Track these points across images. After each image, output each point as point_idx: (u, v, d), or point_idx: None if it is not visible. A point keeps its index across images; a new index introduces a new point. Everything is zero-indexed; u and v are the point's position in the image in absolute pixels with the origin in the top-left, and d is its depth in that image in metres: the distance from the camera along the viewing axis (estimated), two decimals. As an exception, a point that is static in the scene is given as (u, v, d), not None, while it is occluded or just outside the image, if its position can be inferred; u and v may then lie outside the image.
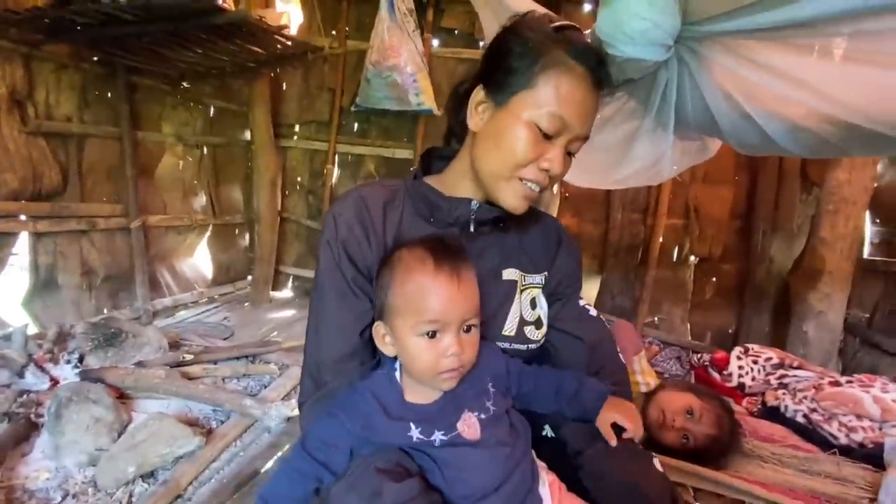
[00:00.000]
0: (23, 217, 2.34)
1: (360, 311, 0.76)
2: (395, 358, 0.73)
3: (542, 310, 0.83)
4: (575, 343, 0.85)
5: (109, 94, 2.71)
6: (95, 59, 2.58)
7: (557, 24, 0.73)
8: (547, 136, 0.70)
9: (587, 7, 3.10)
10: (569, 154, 0.75)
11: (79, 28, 2.16)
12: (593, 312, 0.91)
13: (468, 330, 0.69)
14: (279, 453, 1.71)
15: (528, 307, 0.82)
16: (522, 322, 0.81)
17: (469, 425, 0.69)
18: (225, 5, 1.99)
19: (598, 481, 0.73)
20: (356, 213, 0.77)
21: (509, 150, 0.71)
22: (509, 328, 0.80)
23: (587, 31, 1.18)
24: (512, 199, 0.74)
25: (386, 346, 0.72)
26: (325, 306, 0.77)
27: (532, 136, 0.70)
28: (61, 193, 2.51)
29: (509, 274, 0.81)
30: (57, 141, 2.47)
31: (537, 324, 0.82)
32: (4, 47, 2.20)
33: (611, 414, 0.74)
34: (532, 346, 0.82)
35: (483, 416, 0.70)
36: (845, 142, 1.00)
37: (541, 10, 0.80)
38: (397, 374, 0.73)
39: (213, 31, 2.19)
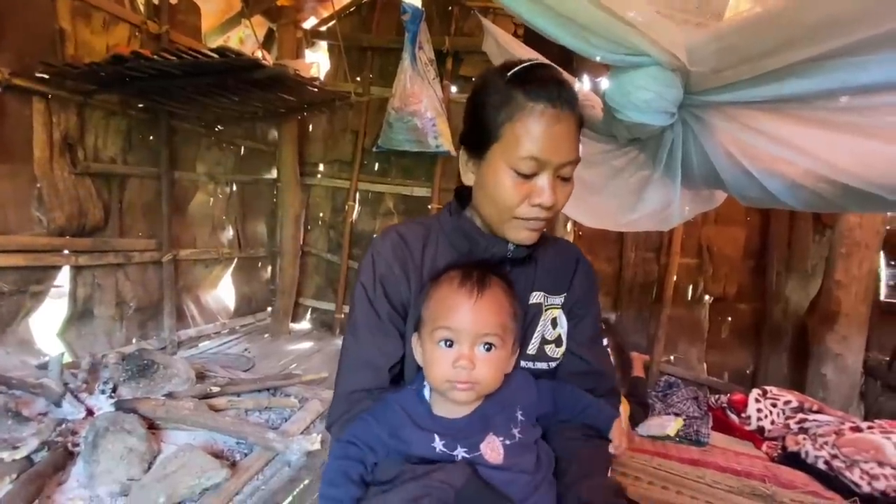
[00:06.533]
0: (66, 251, 2.49)
1: (390, 347, 0.80)
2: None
3: (563, 328, 0.86)
4: (578, 363, 0.87)
5: (151, 138, 2.92)
6: (141, 105, 2.79)
7: (514, 70, 0.75)
8: (529, 176, 0.73)
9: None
10: (564, 179, 0.76)
11: (128, 80, 2.36)
12: (604, 342, 0.95)
13: (488, 348, 0.71)
14: (299, 487, 1.75)
15: (550, 327, 0.85)
16: (544, 341, 0.84)
17: (492, 448, 0.70)
18: (264, 62, 2.18)
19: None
20: (394, 251, 0.82)
21: (499, 198, 0.75)
22: (532, 348, 0.84)
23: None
24: (517, 236, 0.78)
25: (419, 357, 0.77)
26: (358, 340, 0.81)
27: (514, 180, 0.73)
28: (102, 229, 2.67)
29: (535, 297, 0.85)
30: (101, 180, 2.66)
31: (557, 342, 0.85)
32: (61, 97, 2.41)
33: (616, 435, 0.83)
34: (552, 363, 0.85)
35: (508, 442, 0.71)
36: (841, 199, 1.07)
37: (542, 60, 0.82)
38: (426, 390, 0.76)
39: (252, 82, 2.38)
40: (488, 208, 0.79)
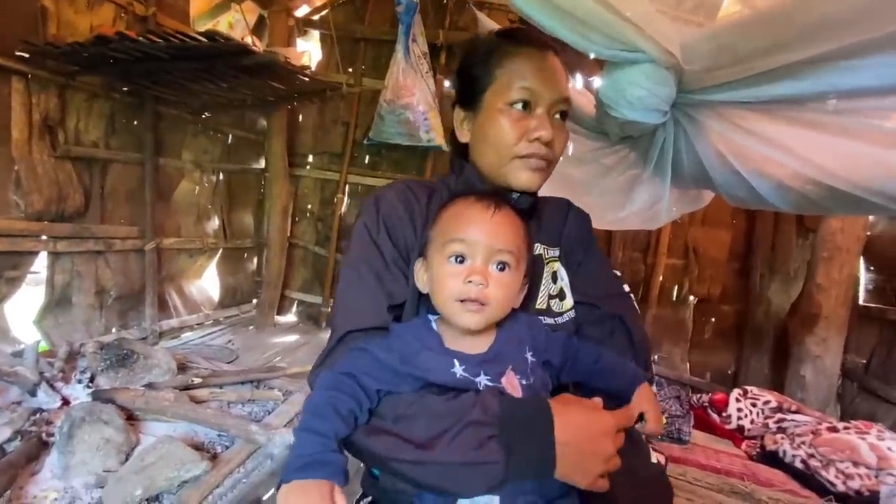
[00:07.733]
0: (44, 237, 2.42)
1: (391, 288, 0.75)
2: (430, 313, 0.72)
3: (564, 281, 0.84)
4: (587, 310, 0.82)
5: (136, 122, 2.84)
6: (125, 89, 2.72)
7: (499, 29, 0.83)
8: (525, 110, 0.76)
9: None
10: (561, 118, 0.79)
11: (113, 62, 2.30)
12: (626, 288, 0.89)
13: (501, 268, 0.67)
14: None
15: (550, 281, 0.83)
16: (548, 296, 0.82)
17: (512, 384, 0.64)
18: (254, 48, 2.14)
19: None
20: (400, 195, 0.80)
21: (498, 139, 0.76)
22: (540, 302, 0.81)
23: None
24: (520, 177, 0.77)
25: (421, 283, 0.72)
26: (360, 277, 0.75)
27: (511, 117, 0.75)
28: (83, 215, 2.60)
29: (537, 249, 0.82)
30: (83, 165, 2.59)
31: (560, 296, 0.82)
32: (42, 77, 2.33)
33: (643, 403, 0.70)
34: (559, 318, 0.81)
35: (525, 382, 0.66)
36: (827, 201, 1.08)
37: None
38: (434, 325, 0.71)
39: (241, 69, 2.33)
40: (489, 155, 0.79)
